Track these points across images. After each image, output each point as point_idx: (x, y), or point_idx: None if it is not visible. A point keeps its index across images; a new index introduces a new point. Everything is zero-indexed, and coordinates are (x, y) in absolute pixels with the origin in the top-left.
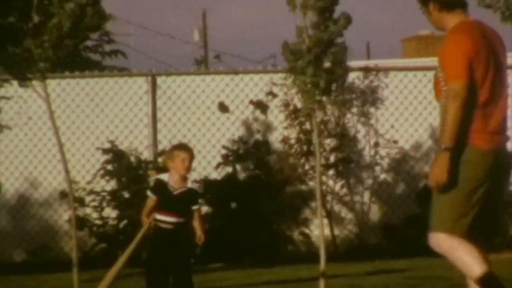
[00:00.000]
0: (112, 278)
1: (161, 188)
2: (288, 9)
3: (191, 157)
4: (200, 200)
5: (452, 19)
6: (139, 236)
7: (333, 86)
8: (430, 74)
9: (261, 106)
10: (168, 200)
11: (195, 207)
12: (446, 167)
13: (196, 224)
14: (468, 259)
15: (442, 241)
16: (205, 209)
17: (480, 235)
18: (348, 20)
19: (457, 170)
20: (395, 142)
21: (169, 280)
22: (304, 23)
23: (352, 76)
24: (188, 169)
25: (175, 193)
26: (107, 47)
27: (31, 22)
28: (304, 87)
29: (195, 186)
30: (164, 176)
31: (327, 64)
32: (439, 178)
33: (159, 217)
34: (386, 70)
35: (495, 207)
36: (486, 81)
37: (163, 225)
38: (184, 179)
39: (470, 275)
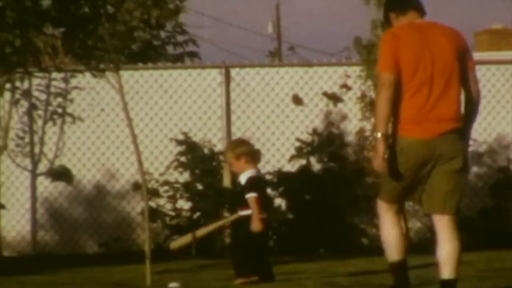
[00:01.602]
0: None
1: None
2: (361, 3)
3: (227, 155)
4: (248, 190)
5: (406, 21)
6: (223, 221)
7: None
8: (504, 68)
9: (335, 98)
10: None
11: (246, 196)
12: (380, 153)
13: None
14: (388, 241)
15: (378, 206)
16: (278, 201)
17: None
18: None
19: (395, 156)
20: None
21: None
22: (378, 16)
23: None
24: (229, 165)
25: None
26: (180, 38)
27: (104, 11)
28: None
29: (247, 176)
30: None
31: None
32: (376, 165)
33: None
34: None
35: (449, 188)
36: (415, 76)
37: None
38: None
39: (386, 255)
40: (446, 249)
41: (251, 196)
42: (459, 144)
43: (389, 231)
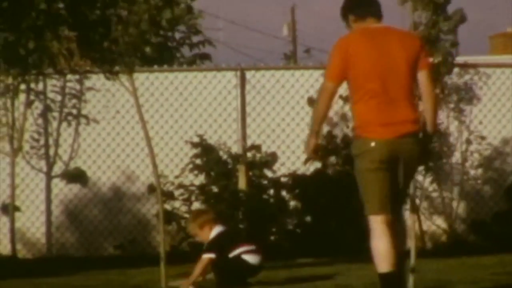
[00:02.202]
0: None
1: None
2: (397, 3)
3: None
4: (205, 250)
5: (362, 26)
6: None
7: (438, 86)
8: None
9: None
10: None
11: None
12: (312, 146)
13: None
14: (379, 253)
15: (369, 223)
16: (293, 203)
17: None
18: (462, 18)
19: (357, 162)
20: (483, 138)
21: None
22: (413, 18)
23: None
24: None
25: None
26: (195, 39)
27: (116, 14)
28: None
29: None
30: None
31: (433, 60)
32: (308, 153)
33: None
34: (484, 66)
35: (403, 187)
36: (371, 79)
37: None
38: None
39: (376, 266)
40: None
41: (204, 256)
42: (416, 148)
43: (379, 242)
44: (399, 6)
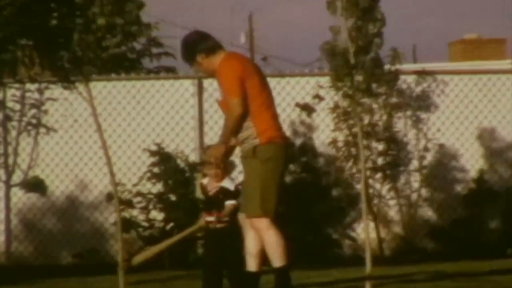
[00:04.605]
0: (152, 255)
1: (203, 191)
2: (328, 13)
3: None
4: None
5: (218, 58)
6: (186, 231)
7: (374, 87)
8: (477, 78)
9: (307, 109)
10: (207, 201)
11: (230, 203)
12: (221, 151)
13: None
14: (283, 246)
15: (263, 224)
16: None
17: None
18: (383, 20)
19: (263, 166)
20: (441, 146)
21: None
22: (346, 26)
23: (406, 80)
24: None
25: (209, 194)
26: (155, 50)
27: (74, 23)
28: (345, 89)
29: (230, 184)
30: (205, 180)
31: (367, 66)
32: (215, 155)
33: (206, 218)
34: (442, 73)
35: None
36: (264, 90)
37: (211, 225)
38: (218, 179)
39: (273, 260)
40: (257, 244)
41: (230, 203)
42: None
43: (280, 237)
44: (330, 15)
